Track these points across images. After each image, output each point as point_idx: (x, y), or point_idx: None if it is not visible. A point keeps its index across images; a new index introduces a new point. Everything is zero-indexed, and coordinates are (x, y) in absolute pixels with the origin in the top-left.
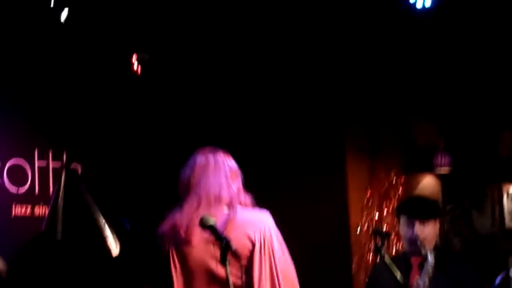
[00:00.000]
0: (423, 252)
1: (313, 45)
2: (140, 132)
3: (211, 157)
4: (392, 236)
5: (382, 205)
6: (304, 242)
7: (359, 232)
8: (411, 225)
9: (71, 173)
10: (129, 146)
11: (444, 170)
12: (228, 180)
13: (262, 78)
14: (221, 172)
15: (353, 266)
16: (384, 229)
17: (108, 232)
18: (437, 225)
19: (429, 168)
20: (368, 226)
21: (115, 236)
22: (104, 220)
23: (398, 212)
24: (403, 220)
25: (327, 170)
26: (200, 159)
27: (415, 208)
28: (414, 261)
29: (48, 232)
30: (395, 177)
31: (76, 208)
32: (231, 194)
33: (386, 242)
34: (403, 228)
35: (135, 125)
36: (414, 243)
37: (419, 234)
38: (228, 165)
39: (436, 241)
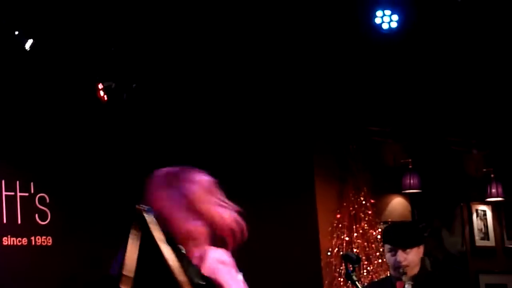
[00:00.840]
0: (403, 279)
1: (279, 69)
2: (108, 160)
3: None
4: (363, 259)
5: (352, 227)
6: (274, 265)
7: (330, 255)
8: (394, 252)
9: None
10: (96, 174)
11: (413, 190)
12: None
13: (231, 102)
14: None
15: None
16: (355, 253)
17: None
18: (421, 250)
19: (398, 189)
20: (338, 249)
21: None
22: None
23: (382, 239)
24: (386, 247)
25: (296, 193)
26: None
27: (397, 237)
28: (399, 285)
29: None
30: (364, 199)
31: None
32: None
33: (357, 266)
34: (387, 255)
35: (102, 152)
36: (398, 269)
37: (402, 261)
38: None
39: (422, 264)
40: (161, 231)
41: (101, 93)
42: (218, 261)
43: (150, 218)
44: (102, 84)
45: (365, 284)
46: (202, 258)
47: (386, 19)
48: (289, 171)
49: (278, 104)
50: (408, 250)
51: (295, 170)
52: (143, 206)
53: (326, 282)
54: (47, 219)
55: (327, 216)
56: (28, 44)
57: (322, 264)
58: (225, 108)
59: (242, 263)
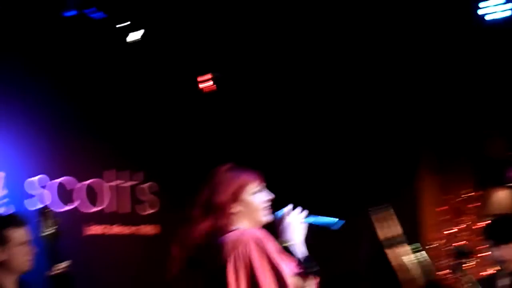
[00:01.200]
0: (499, 274)
1: (383, 66)
2: (214, 149)
3: None
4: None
5: (456, 221)
6: (376, 260)
7: (434, 250)
8: (491, 247)
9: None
10: (204, 163)
11: None
12: None
13: (335, 93)
14: None
15: None
16: (463, 248)
17: None
18: None
19: (502, 182)
20: (442, 244)
21: None
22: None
23: (483, 234)
24: (488, 242)
25: (397, 189)
26: None
27: (492, 231)
28: (500, 281)
29: None
30: (468, 193)
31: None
32: None
33: (468, 260)
34: (490, 250)
35: (210, 142)
36: (497, 264)
37: (497, 256)
38: None
39: None
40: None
41: (205, 84)
42: None
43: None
44: (208, 75)
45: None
46: None
47: (493, 9)
48: (391, 166)
49: (384, 101)
50: (502, 246)
51: (398, 166)
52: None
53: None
54: (156, 207)
55: (430, 211)
56: (136, 36)
57: None
58: (331, 109)
59: (343, 255)
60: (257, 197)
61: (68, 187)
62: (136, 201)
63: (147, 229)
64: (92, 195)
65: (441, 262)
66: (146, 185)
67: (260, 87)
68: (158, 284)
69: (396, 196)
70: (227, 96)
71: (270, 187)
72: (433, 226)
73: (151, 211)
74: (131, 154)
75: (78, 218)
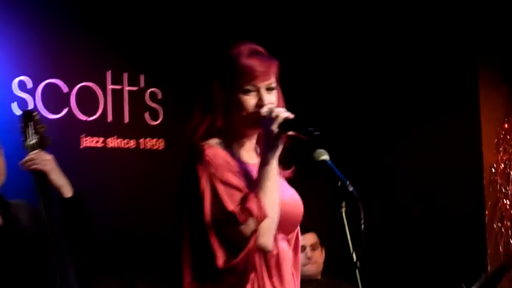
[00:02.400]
0: None
1: None
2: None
3: None
4: None
5: None
6: (430, 184)
7: (495, 172)
8: None
9: None
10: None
11: None
12: None
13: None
14: None
15: (486, 213)
16: None
17: None
18: None
19: None
20: (505, 166)
21: None
22: None
23: None
24: None
25: (456, 101)
26: None
27: None
28: None
29: None
30: None
31: None
32: None
33: None
34: None
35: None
36: None
37: None
38: None
39: None
40: None
41: None
42: None
43: None
44: None
45: None
46: None
47: None
48: (450, 77)
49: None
50: None
51: (457, 76)
52: None
53: (489, 203)
54: (159, 118)
55: (492, 128)
56: None
57: (485, 182)
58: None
59: (398, 179)
60: (245, 98)
61: (57, 91)
62: (136, 110)
63: (149, 144)
64: (85, 102)
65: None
66: (148, 91)
67: None
68: (163, 201)
69: (455, 111)
70: None
71: None
72: (495, 145)
73: (154, 122)
74: (130, 53)
75: (69, 128)
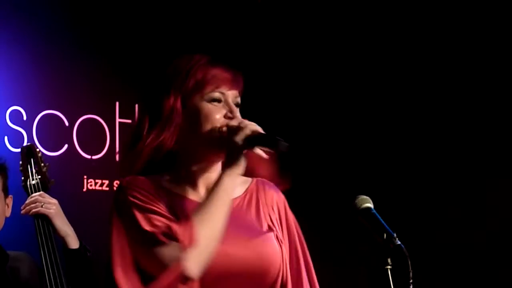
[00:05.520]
0: None
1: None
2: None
3: None
4: None
5: None
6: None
7: None
8: None
9: None
10: None
11: None
12: None
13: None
14: None
15: None
16: None
17: None
18: None
19: None
20: None
21: None
22: None
23: None
24: None
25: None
26: None
27: None
28: None
29: None
30: None
31: None
32: None
33: None
34: None
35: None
36: None
37: None
38: None
39: None
40: None
41: None
42: None
43: None
44: None
45: None
46: None
47: None
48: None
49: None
50: None
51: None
52: None
53: None
54: None
55: None
56: None
57: None
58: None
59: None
60: (212, 107)
61: (57, 124)
62: None
63: None
64: (89, 137)
65: None
66: None
67: None
68: None
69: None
70: None
71: None
72: None
73: None
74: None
75: (69, 168)
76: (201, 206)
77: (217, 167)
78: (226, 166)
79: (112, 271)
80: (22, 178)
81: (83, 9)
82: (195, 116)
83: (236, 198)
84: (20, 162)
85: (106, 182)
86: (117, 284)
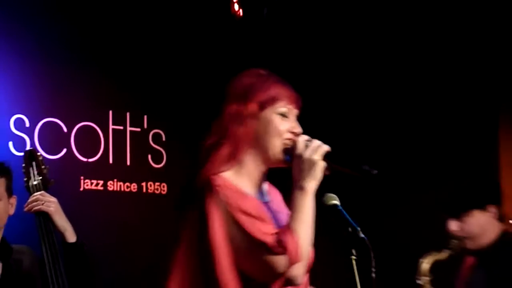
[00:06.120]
0: None
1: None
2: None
3: None
4: None
5: None
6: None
7: None
8: None
9: None
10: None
11: None
12: None
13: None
14: None
15: None
16: None
17: None
18: None
19: None
20: None
21: None
22: None
23: None
24: None
25: (476, 147)
26: None
27: None
28: None
29: None
30: None
31: None
32: None
33: None
34: None
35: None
36: None
37: None
38: None
39: None
40: None
41: (236, 7)
42: None
43: None
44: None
45: None
46: None
47: None
48: (471, 124)
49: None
50: None
51: (478, 123)
52: None
53: None
54: (162, 161)
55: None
56: None
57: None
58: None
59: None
60: (281, 120)
61: (56, 131)
62: (136, 152)
63: (151, 188)
64: (86, 142)
65: None
66: (151, 132)
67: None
68: (165, 249)
69: (474, 157)
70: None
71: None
72: None
73: (157, 166)
74: (133, 92)
75: (68, 170)
76: (299, 216)
77: (265, 172)
78: (308, 181)
79: (216, 271)
80: (25, 179)
81: (85, 25)
82: (266, 125)
83: (269, 202)
84: (23, 165)
85: (101, 182)
86: (221, 284)
